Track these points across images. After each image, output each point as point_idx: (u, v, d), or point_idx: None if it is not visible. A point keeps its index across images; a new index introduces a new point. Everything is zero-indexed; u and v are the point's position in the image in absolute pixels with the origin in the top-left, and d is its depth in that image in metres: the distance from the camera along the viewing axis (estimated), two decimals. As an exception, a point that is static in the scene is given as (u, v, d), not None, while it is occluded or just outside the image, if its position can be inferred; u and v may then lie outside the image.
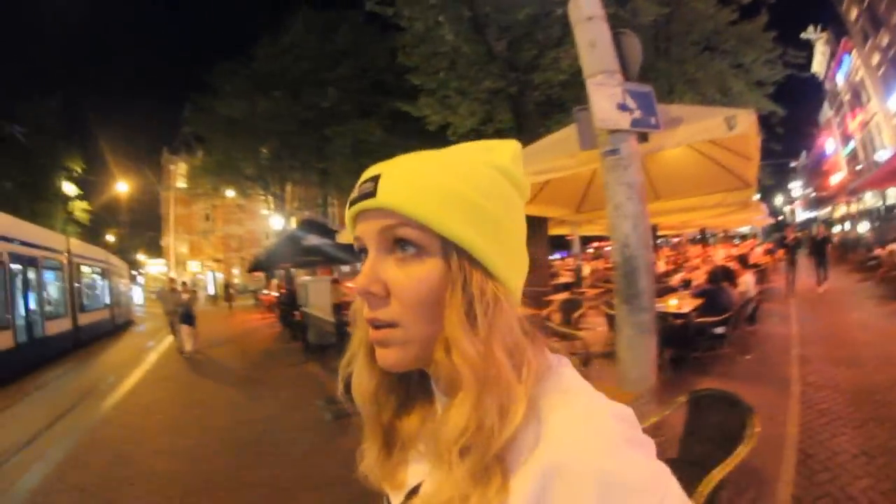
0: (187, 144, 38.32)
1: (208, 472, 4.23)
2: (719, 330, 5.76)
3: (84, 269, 15.46)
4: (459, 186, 0.53)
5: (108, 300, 18.18)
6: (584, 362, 4.55)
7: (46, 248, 12.11)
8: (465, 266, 0.52)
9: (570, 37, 7.47)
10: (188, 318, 10.84)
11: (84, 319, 14.30)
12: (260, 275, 26.67)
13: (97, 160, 29.75)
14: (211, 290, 38.68)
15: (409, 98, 10.98)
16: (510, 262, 0.56)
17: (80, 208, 29.31)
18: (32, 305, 10.83)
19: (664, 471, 0.50)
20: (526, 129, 8.86)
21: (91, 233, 29.07)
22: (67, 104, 28.45)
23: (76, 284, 14.19)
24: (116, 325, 18.73)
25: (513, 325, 0.54)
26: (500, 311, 0.53)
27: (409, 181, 0.53)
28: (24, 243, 10.63)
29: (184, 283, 12.75)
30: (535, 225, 8.44)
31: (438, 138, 14.15)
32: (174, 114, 51.00)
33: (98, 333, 15.63)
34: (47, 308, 11.75)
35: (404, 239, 0.53)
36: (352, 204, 0.57)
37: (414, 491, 0.59)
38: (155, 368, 9.86)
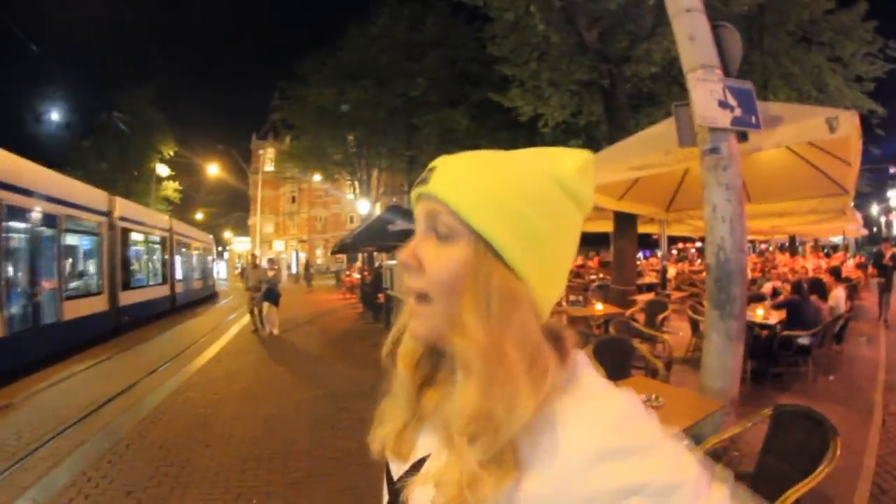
0: (275, 130, 40.40)
1: (284, 441, 4.43)
2: (804, 341, 5.41)
3: (180, 244, 17.40)
4: (502, 188, 0.56)
5: (197, 274, 19.92)
6: (667, 366, 4.42)
7: (158, 228, 15.20)
8: (490, 259, 0.55)
9: (663, 28, 7.35)
10: (272, 295, 10.44)
11: (178, 288, 16.37)
12: (342, 256, 27.56)
13: (189, 144, 31.98)
14: (294, 270, 40.15)
15: (497, 88, 11.00)
16: (543, 271, 0.57)
17: (171, 188, 31.75)
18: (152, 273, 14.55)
19: (685, 465, 0.52)
20: (616, 121, 8.75)
21: (181, 210, 31.30)
22: (161, 92, 30.74)
23: (174, 257, 16.24)
24: (204, 296, 20.81)
25: (529, 326, 0.56)
26: (518, 308, 0.55)
27: (457, 175, 0.58)
28: (145, 225, 14.10)
29: (270, 260, 12.10)
30: (625, 221, 8.29)
31: (528, 129, 14.11)
32: (263, 101, 54.12)
33: (189, 300, 17.85)
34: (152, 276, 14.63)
35: (442, 223, 0.57)
36: (414, 189, 0.62)
37: (420, 463, 0.62)
38: (237, 339, 10.27)
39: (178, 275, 16.96)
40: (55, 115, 27.82)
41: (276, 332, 10.32)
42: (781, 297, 6.43)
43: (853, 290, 10.00)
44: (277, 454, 4.15)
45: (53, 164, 9.04)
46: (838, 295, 6.78)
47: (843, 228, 13.04)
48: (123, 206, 11.98)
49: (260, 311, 10.72)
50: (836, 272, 7.82)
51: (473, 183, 0.57)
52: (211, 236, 25.19)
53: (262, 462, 4.01)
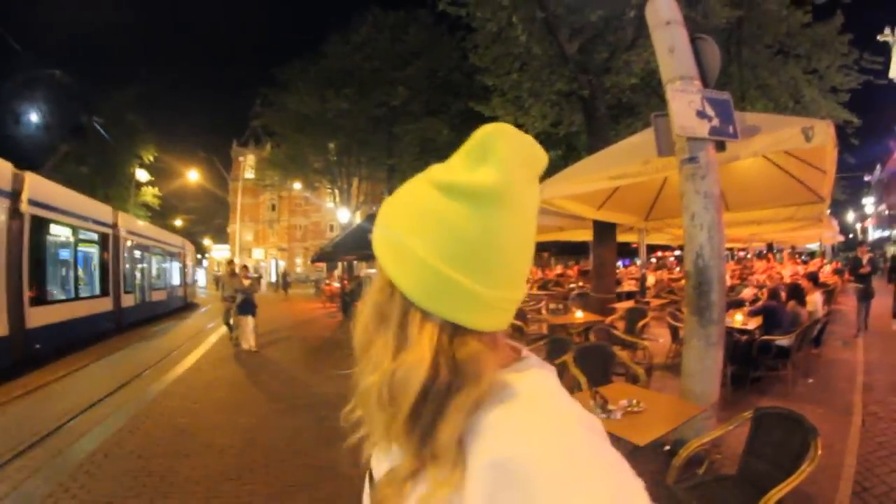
0: (256, 137, 40.38)
1: (264, 451, 4.37)
2: (783, 342, 5.50)
3: (134, 246, 14.42)
4: (393, 237, 0.58)
5: (161, 283, 17.67)
6: (647, 372, 4.47)
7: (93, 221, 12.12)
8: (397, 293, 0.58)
9: (643, 40, 7.48)
10: (249, 306, 9.36)
11: (126, 301, 13.31)
12: (322, 265, 27.35)
13: (169, 149, 31.57)
14: (273, 278, 39.80)
15: (478, 98, 11.09)
16: (432, 295, 0.55)
17: (150, 193, 31.28)
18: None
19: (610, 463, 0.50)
20: (596, 131, 8.83)
21: (160, 217, 30.86)
22: (142, 96, 30.27)
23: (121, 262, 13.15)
24: (172, 309, 18.68)
25: (436, 344, 0.56)
26: (424, 332, 0.56)
27: (379, 224, 0.61)
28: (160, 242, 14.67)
29: (245, 267, 10.51)
30: (605, 230, 8.37)
31: None
32: (244, 107, 53.70)
33: (147, 316, 15.13)
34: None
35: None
36: None
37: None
38: (216, 348, 9.95)
39: (128, 284, 13.42)
40: (34, 117, 27.27)
41: (252, 347, 9.22)
42: (759, 304, 6.53)
43: (830, 295, 10.22)
44: (258, 464, 4.10)
45: (33, 166, 8.55)
46: (816, 300, 6.93)
47: (820, 235, 13.32)
48: (36, 185, 8.60)
49: (229, 324, 10.17)
50: (813, 278, 8.00)
51: (380, 231, 0.60)
52: (184, 241, 22.95)
53: (243, 472, 3.95)
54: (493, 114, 10.47)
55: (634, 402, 2.90)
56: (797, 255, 22.38)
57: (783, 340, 5.47)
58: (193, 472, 3.95)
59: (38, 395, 6.37)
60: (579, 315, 7.16)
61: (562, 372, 4.23)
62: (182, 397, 6.21)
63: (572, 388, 3.98)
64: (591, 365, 4.13)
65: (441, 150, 19.49)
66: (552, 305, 9.48)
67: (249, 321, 9.34)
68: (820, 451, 2.30)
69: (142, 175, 29.83)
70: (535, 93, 9.52)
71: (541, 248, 18.11)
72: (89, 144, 26.65)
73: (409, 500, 0.56)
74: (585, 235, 9.40)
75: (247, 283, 9.71)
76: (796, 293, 6.52)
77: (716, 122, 3.65)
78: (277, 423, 5.19)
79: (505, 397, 0.55)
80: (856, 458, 3.64)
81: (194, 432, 4.89)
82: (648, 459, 3.71)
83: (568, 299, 10.99)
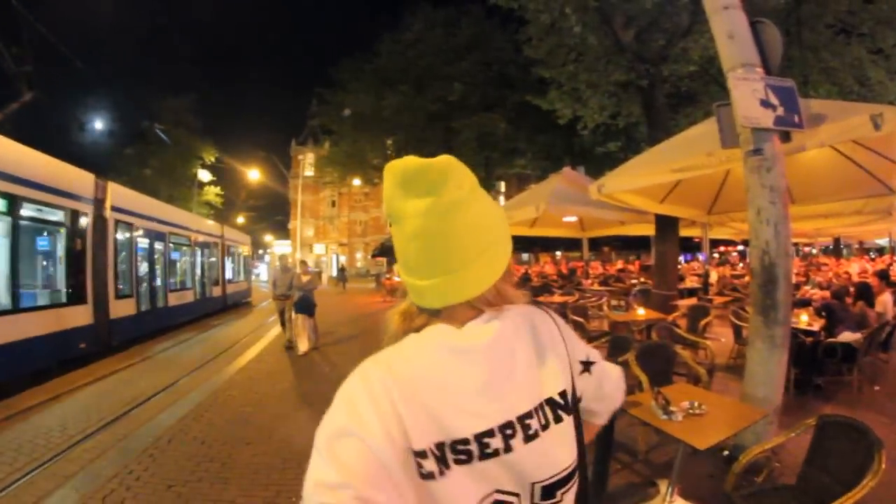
0: (314, 136, 41.55)
1: None
2: (850, 340, 5.18)
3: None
4: None
5: (211, 278, 15.99)
6: (709, 373, 4.32)
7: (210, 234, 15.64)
8: None
9: (700, 25, 7.22)
10: (306, 305, 8.54)
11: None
12: (382, 260, 27.79)
13: (230, 150, 33.10)
14: (334, 272, 39.26)
15: (534, 91, 10.99)
16: (402, 266, 0.80)
17: (213, 193, 32.73)
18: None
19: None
20: (656, 122, 8.60)
21: (222, 215, 32.20)
22: (203, 100, 31.87)
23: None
24: (218, 308, 16.55)
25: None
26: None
27: None
28: (182, 227, 13.49)
29: (303, 262, 9.33)
30: (667, 225, 8.14)
31: (566, 131, 13.99)
32: (302, 108, 55.51)
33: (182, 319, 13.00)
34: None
35: None
36: None
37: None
38: (280, 339, 9.66)
39: (123, 285, 9.56)
40: (98, 124, 29.00)
41: (306, 350, 8.40)
42: (819, 301, 6.18)
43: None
44: None
45: (98, 170, 9.15)
46: (886, 300, 6.47)
47: (890, 230, 12.46)
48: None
49: (284, 323, 9.33)
50: (884, 275, 7.47)
51: None
52: (224, 227, 18.47)
53: (303, 461, 4.01)
54: (552, 107, 10.41)
55: (696, 404, 2.81)
56: (865, 251, 21.00)
57: (849, 338, 5.16)
58: (254, 459, 4.09)
59: (106, 383, 6.70)
60: (641, 312, 7.01)
61: (624, 370, 4.11)
62: (244, 387, 6.35)
63: (633, 388, 3.92)
64: (652, 364, 4.05)
65: (499, 144, 19.53)
66: (613, 301, 9.30)
67: (307, 321, 8.59)
68: (884, 465, 2.18)
69: (204, 175, 31.22)
70: (593, 84, 9.39)
71: (602, 242, 17.78)
72: (151, 147, 28.23)
73: None
74: (647, 230, 9.09)
75: (305, 279, 8.75)
76: (865, 293, 6.13)
77: (780, 111, 3.47)
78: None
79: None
80: None
81: (256, 421, 5.02)
82: (707, 464, 3.60)
83: (629, 295, 10.73)
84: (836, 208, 6.60)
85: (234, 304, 18.65)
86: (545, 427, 0.78)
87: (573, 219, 10.48)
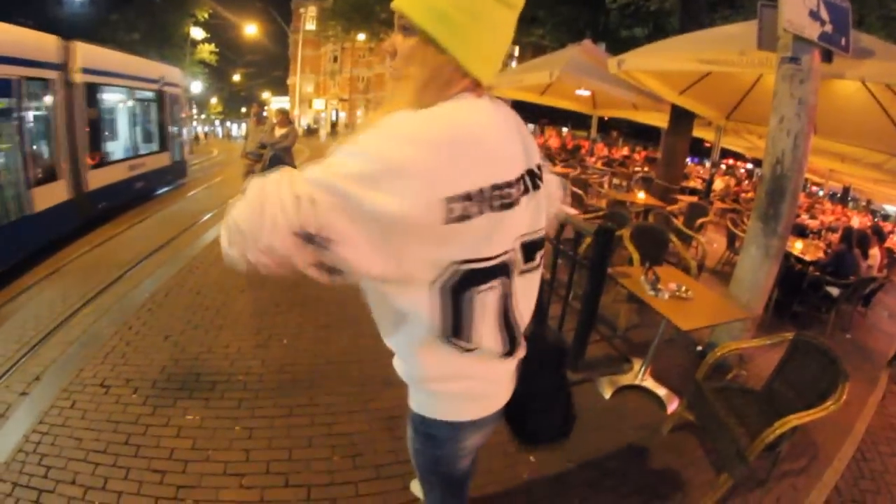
0: None
1: (317, 288, 4.34)
2: (833, 291, 5.32)
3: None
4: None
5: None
6: (698, 268, 4.43)
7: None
8: (429, 44, 0.88)
9: None
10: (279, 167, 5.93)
11: None
12: None
13: (225, 3, 30.77)
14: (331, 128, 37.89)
15: None
16: (468, 50, 0.89)
17: (207, 50, 30.87)
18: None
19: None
20: (690, 12, 7.91)
21: (218, 72, 30.63)
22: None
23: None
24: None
25: (444, 71, 0.90)
26: (439, 64, 0.90)
27: None
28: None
29: (282, 112, 7.37)
30: (682, 118, 7.74)
31: (592, 5, 13.47)
32: None
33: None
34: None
35: (403, 25, 0.90)
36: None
37: None
38: None
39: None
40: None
41: None
42: (832, 252, 6.20)
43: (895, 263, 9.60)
44: (309, 299, 4.37)
45: (82, 38, 8.13)
46: (876, 254, 6.55)
47: (903, 198, 12.23)
48: None
49: None
50: (878, 231, 7.48)
51: None
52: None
53: (294, 306, 4.22)
54: None
55: (683, 288, 2.91)
56: (872, 213, 20.76)
57: (834, 290, 5.27)
58: (247, 305, 4.28)
59: (104, 248, 6.63)
60: (641, 196, 7.02)
61: (616, 245, 4.22)
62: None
63: (625, 261, 4.01)
64: (646, 244, 4.12)
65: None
66: (615, 181, 9.28)
67: None
68: (846, 396, 2.30)
69: (197, 33, 29.42)
70: None
71: (611, 125, 17.43)
72: (139, 10, 26.32)
73: None
74: (659, 120, 8.71)
75: (279, 132, 6.85)
76: (862, 242, 6.16)
77: (828, 27, 3.29)
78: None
79: None
80: (865, 426, 3.58)
81: (250, 271, 5.14)
82: (680, 355, 3.80)
83: (632, 180, 10.66)
84: (856, 153, 6.35)
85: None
86: (535, 187, 1.00)
87: (586, 93, 9.93)
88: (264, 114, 8.12)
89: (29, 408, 2.83)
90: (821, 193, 19.13)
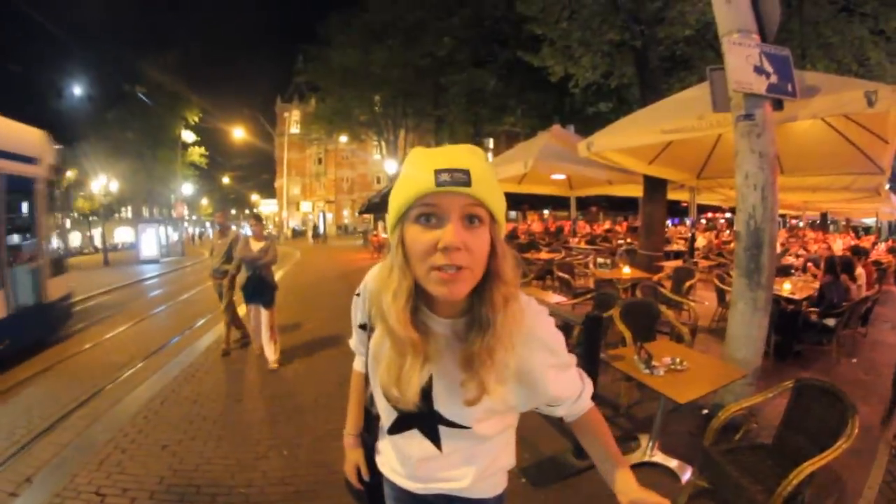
0: (300, 93, 40.90)
1: (315, 395, 4.52)
2: (829, 322, 5.32)
3: None
4: (493, 182, 0.86)
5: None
6: (692, 333, 4.40)
7: None
8: (494, 230, 0.87)
9: None
10: (259, 290, 5.35)
11: None
12: (369, 217, 27.71)
13: (214, 109, 32.32)
14: (321, 230, 37.54)
15: (526, 48, 10.89)
16: (501, 216, 0.90)
17: (198, 153, 32.11)
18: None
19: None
20: (649, 84, 8.57)
21: (208, 176, 31.51)
22: (184, 60, 30.80)
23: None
24: None
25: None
26: (510, 251, 0.90)
27: (484, 178, 0.83)
28: None
29: (255, 218, 5.87)
30: (655, 186, 8.11)
31: (558, 90, 13.83)
32: (287, 64, 54.46)
33: None
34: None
35: (475, 215, 0.84)
36: (442, 183, 0.81)
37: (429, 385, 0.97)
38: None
39: None
40: (77, 90, 28.06)
41: (272, 359, 5.33)
42: (819, 283, 6.26)
43: (882, 274, 9.71)
44: (305, 407, 4.28)
45: (78, 136, 8.38)
46: (861, 274, 6.61)
47: (877, 210, 12.59)
48: None
49: (234, 317, 6.07)
50: (858, 250, 7.58)
51: (488, 184, 0.84)
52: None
53: (293, 415, 4.12)
54: (543, 64, 10.33)
55: (678, 360, 2.89)
56: (853, 230, 21.22)
57: (829, 321, 5.28)
58: (245, 415, 4.16)
59: (97, 350, 6.62)
60: (626, 270, 7.07)
61: (608, 326, 4.24)
62: (236, 345, 6.21)
63: (618, 343, 3.99)
64: (636, 321, 4.12)
65: (488, 101, 19.24)
66: (600, 259, 9.43)
67: (261, 315, 5.40)
68: (857, 431, 2.25)
69: (188, 136, 30.56)
70: (586, 42, 9.33)
71: (589, 202, 17.82)
72: (133, 110, 27.54)
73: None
74: (635, 191, 9.07)
75: (256, 247, 5.28)
76: (847, 267, 6.24)
77: (774, 78, 3.47)
78: (327, 369, 5.27)
79: None
80: (889, 448, 3.48)
81: (246, 379, 5.06)
82: (687, 422, 3.71)
83: (615, 255, 10.80)
84: (825, 182, 6.64)
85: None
86: None
87: (561, 177, 10.43)
88: (231, 225, 6.99)
89: (19, 512, 2.68)
90: (801, 224, 19.58)
